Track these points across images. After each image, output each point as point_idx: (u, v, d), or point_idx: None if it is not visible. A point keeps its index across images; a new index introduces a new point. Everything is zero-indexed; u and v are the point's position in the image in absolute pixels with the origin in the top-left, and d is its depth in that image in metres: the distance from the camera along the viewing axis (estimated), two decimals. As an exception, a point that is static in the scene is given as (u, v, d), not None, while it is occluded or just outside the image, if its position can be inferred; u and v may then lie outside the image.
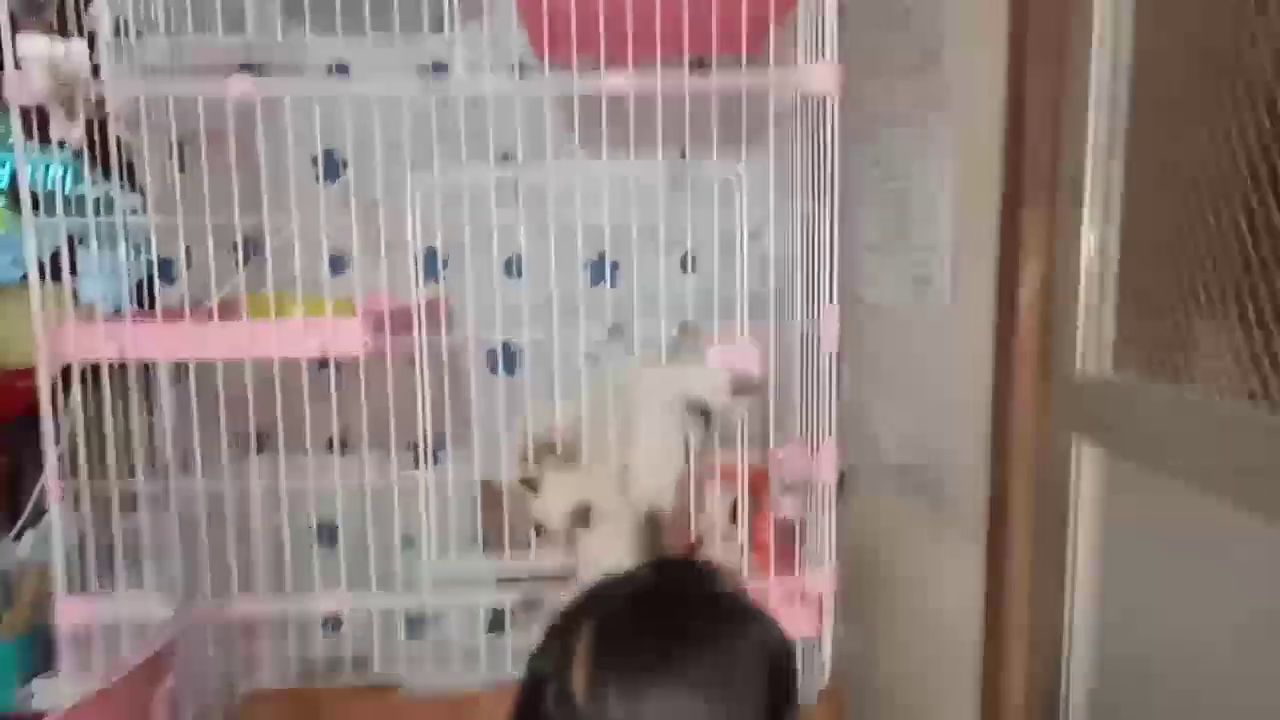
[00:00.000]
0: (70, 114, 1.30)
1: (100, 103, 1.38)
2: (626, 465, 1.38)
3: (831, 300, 1.40)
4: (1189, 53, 0.79)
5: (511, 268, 1.89)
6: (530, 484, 1.43)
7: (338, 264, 1.87)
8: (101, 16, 1.32)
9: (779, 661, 0.80)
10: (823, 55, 1.35)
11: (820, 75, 1.35)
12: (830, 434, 1.42)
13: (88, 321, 1.41)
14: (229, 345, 1.38)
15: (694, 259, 1.96)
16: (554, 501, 1.41)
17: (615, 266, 1.99)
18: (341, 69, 1.85)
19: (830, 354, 1.41)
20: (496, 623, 1.73)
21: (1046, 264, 0.96)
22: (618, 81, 1.33)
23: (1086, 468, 0.93)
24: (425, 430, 1.43)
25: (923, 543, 1.32)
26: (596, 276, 1.99)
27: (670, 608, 0.79)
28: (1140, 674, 0.88)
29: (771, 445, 1.55)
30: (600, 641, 0.76)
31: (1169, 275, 0.82)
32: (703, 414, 1.37)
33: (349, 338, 1.38)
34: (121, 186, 1.51)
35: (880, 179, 1.45)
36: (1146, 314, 0.85)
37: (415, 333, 1.40)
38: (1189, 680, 0.80)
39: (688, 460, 1.40)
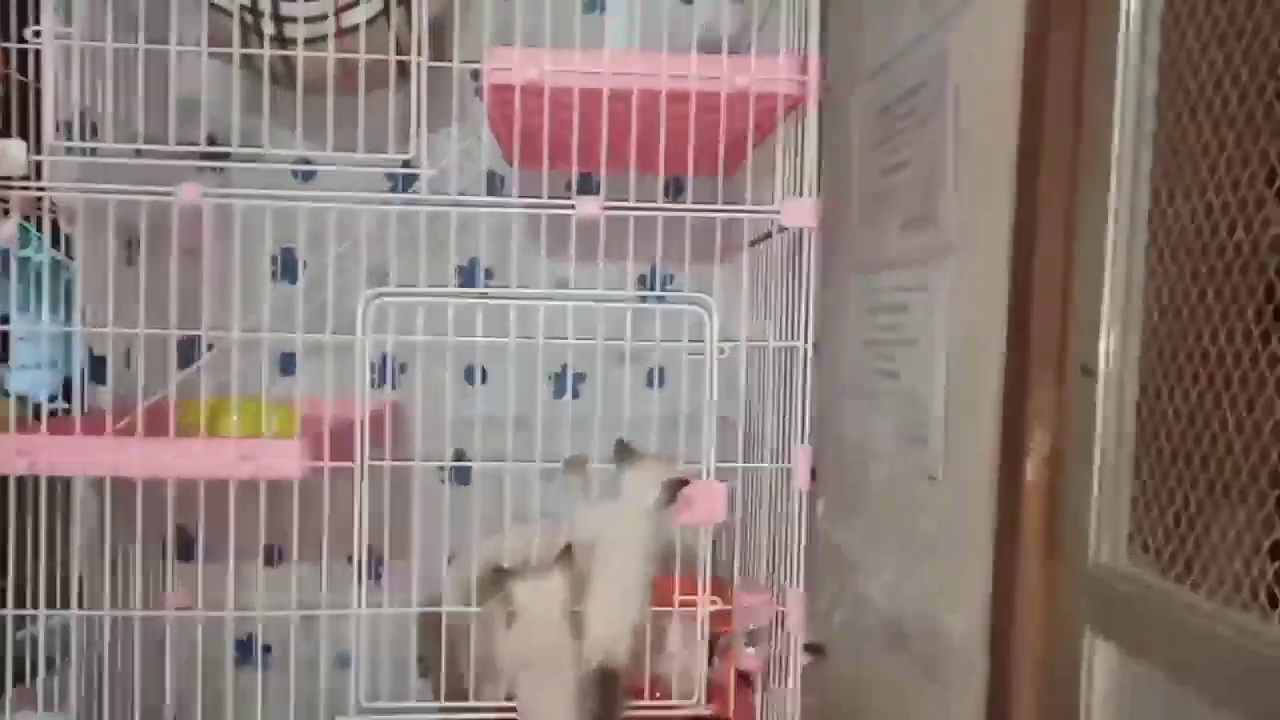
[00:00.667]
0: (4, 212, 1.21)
1: (38, 201, 1.29)
2: (579, 613, 1.27)
3: (804, 441, 1.34)
4: (1208, 232, 0.75)
5: (473, 375, 1.80)
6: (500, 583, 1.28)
7: (289, 363, 1.77)
8: (45, 115, 1.23)
9: None
10: (802, 191, 1.32)
11: (798, 211, 1.30)
12: (798, 582, 1.34)
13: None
14: (152, 464, 1.27)
15: (662, 373, 1.90)
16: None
17: (580, 378, 1.91)
18: (307, 175, 1.78)
19: (800, 495, 1.33)
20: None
21: (1054, 442, 0.90)
22: (590, 209, 1.27)
23: (1099, 664, 0.85)
24: (361, 559, 1.32)
25: (914, 709, 1.23)
26: (559, 390, 1.91)
27: None
28: None
29: (735, 588, 1.46)
30: None
31: (1186, 467, 0.77)
32: (676, 488, 1.28)
33: (285, 461, 1.27)
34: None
35: (871, 319, 1.40)
36: (1163, 506, 0.79)
37: (356, 458, 1.29)
38: None
39: (646, 606, 1.29)
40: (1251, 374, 0.70)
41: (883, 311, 1.34)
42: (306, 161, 1.76)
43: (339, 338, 1.34)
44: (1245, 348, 0.71)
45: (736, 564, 1.50)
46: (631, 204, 1.29)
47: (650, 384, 1.89)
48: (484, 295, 1.37)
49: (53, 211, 1.32)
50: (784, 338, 1.37)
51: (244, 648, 1.92)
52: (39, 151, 1.22)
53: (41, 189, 1.24)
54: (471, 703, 1.36)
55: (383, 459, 1.33)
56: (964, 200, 1.10)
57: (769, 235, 1.44)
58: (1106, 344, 0.84)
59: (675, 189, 1.78)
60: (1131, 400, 0.83)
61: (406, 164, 1.33)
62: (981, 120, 1.06)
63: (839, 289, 1.46)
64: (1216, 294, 0.74)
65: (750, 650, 1.42)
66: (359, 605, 1.34)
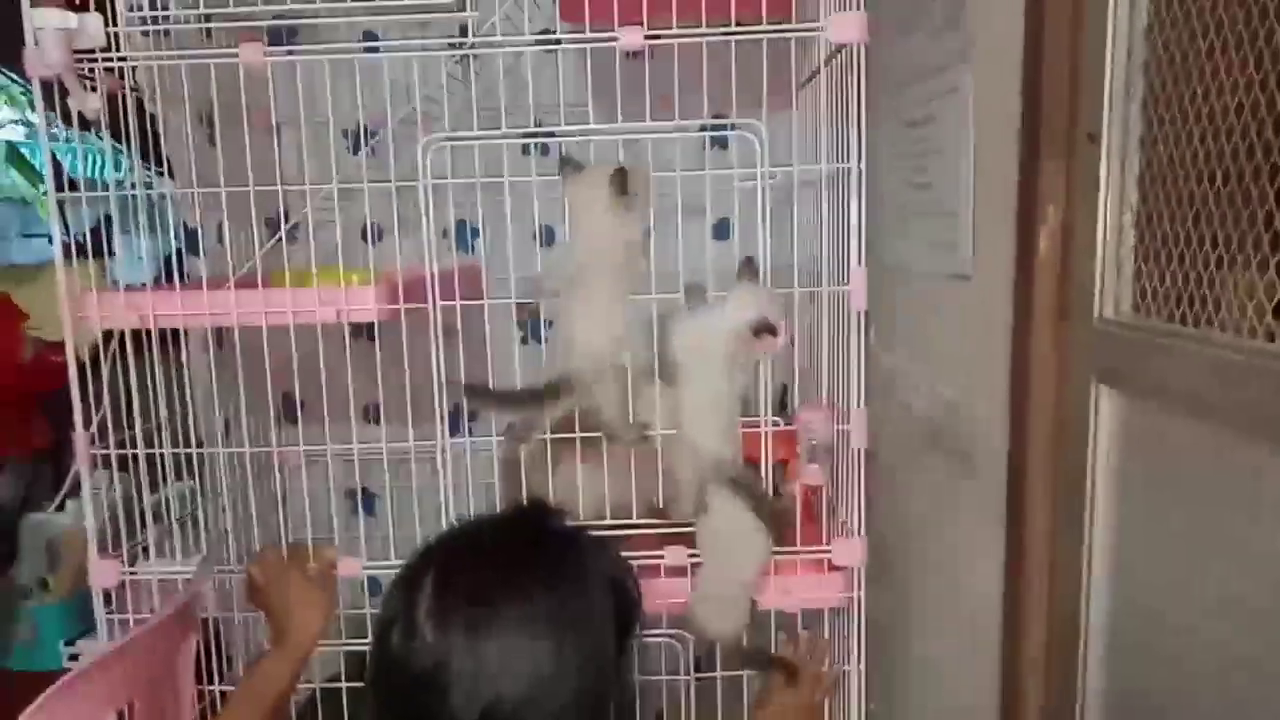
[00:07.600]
0: (88, 86, 1.33)
1: (120, 74, 1.39)
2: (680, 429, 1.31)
3: (860, 262, 1.33)
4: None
5: (539, 237, 1.87)
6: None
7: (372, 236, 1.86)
8: (117, -9, 1.33)
9: (622, 593, 0.84)
10: (849, 6, 1.28)
11: (847, 24, 1.27)
12: (859, 400, 1.35)
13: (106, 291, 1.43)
14: (247, 312, 1.41)
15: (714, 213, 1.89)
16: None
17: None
18: (370, 37, 1.85)
19: (859, 315, 1.33)
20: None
21: (1065, 212, 0.94)
22: (633, 38, 1.26)
23: (1105, 410, 0.91)
24: (442, 402, 1.41)
25: (947, 502, 1.31)
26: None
27: (515, 543, 0.83)
28: (1157, 622, 0.86)
29: (797, 406, 1.50)
30: (445, 577, 0.79)
31: (1188, 216, 0.80)
32: (766, 331, 1.26)
33: (364, 305, 1.39)
34: (153, 170, 1.54)
35: (905, 135, 1.42)
36: (1167, 258, 0.83)
37: (429, 301, 1.39)
38: (1205, 627, 0.79)
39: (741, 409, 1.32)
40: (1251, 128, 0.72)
41: (914, 126, 1.37)
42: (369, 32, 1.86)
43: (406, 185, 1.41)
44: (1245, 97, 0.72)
45: (796, 389, 1.51)
46: (675, 30, 1.28)
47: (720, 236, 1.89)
48: (532, 135, 1.40)
49: (135, 89, 1.43)
50: (834, 162, 1.36)
51: (350, 498, 2.10)
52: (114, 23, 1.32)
53: (123, 58, 1.34)
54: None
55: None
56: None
57: (816, 73, 1.44)
58: (1109, 112, 0.87)
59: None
60: (1134, 164, 0.87)
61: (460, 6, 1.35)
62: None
63: (873, 119, 1.48)
64: (1218, 50, 0.76)
65: (813, 466, 1.48)
66: (445, 446, 1.42)
